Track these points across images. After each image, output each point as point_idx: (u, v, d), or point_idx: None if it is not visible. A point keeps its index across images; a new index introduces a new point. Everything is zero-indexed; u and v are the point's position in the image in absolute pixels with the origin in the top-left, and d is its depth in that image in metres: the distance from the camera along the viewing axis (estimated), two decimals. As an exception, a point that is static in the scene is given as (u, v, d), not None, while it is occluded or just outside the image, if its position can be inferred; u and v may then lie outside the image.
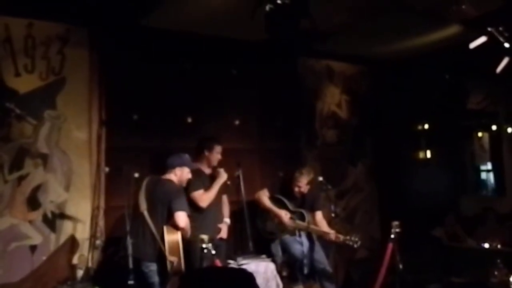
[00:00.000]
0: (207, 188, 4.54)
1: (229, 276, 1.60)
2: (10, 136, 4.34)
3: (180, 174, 4.19)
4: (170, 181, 4.14)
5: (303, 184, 4.92)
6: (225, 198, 4.81)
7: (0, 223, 4.21)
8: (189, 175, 4.26)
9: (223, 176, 4.55)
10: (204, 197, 4.48)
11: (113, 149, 4.73)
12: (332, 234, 4.74)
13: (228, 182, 4.65)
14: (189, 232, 4.02)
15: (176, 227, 3.91)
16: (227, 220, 4.75)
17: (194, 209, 4.45)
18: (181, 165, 4.20)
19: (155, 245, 3.90)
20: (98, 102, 4.74)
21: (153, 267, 3.91)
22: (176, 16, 4.67)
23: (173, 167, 4.18)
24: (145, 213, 3.96)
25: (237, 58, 5.49)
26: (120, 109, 4.83)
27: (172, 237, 3.90)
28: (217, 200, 4.60)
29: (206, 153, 4.62)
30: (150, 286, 3.92)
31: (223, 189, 4.65)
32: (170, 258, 3.82)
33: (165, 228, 3.92)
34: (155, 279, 3.92)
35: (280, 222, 4.88)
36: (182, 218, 3.91)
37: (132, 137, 4.84)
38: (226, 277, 1.59)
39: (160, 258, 3.88)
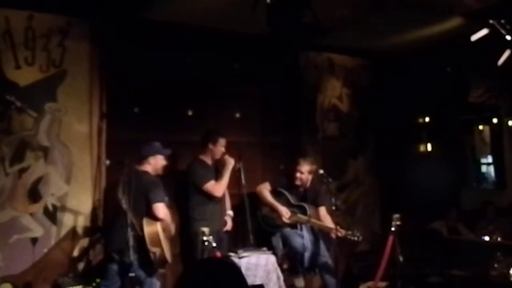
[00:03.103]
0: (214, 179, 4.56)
1: (221, 270, 1.60)
2: (11, 129, 4.34)
3: (154, 163, 4.19)
4: (146, 172, 4.12)
5: (305, 170, 4.92)
6: (225, 191, 4.83)
7: (1, 216, 4.23)
8: (164, 162, 4.25)
9: (230, 162, 4.57)
10: (217, 187, 4.52)
11: (114, 142, 4.73)
12: (333, 229, 4.74)
13: (238, 165, 4.66)
14: (169, 222, 4.01)
15: (155, 219, 3.90)
16: (230, 212, 4.78)
17: (201, 201, 4.51)
18: (154, 153, 4.19)
19: (136, 238, 3.86)
20: (99, 95, 4.74)
21: (135, 260, 3.86)
22: (178, 9, 4.65)
23: (145, 157, 4.17)
24: (125, 207, 3.94)
25: (238, 52, 5.47)
26: (121, 102, 4.83)
27: (151, 229, 3.89)
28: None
29: (210, 146, 4.63)
30: (135, 279, 3.89)
31: (232, 176, 4.65)
32: (152, 249, 3.82)
33: (144, 220, 3.91)
34: (139, 272, 3.89)
35: (280, 217, 4.89)
36: (160, 209, 3.92)
37: (133, 130, 4.83)
38: (219, 271, 1.59)
39: (142, 250, 3.85)
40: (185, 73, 5.15)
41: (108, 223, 4.33)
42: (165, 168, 4.31)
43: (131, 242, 3.81)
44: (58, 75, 4.57)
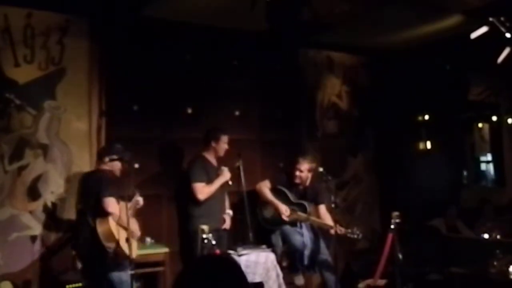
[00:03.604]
0: (210, 180, 4.56)
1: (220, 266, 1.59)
2: (10, 127, 4.33)
3: (111, 165, 4.09)
4: (100, 171, 4.06)
5: (304, 168, 4.91)
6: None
7: (0, 213, 4.23)
8: (119, 166, 4.14)
9: (226, 176, 4.58)
10: (204, 190, 4.51)
11: (113, 140, 4.71)
12: (333, 227, 4.71)
13: (230, 182, 4.66)
14: (118, 217, 3.88)
15: (106, 214, 3.81)
16: (229, 211, 4.78)
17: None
18: (111, 155, 4.09)
19: (93, 239, 3.82)
20: (98, 93, 4.73)
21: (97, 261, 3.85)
22: (177, 6, 4.64)
23: (103, 157, 4.10)
24: (82, 208, 3.95)
25: (238, 49, 5.47)
26: (120, 100, 4.82)
27: (103, 224, 3.81)
28: (222, 191, 4.65)
29: (213, 144, 4.65)
30: (106, 282, 3.87)
31: (225, 186, 4.67)
32: (107, 244, 3.76)
33: (97, 220, 3.85)
34: (111, 276, 3.83)
35: (279, 214, 4.88)
36: (109, 203, 3.82)
37: (132, 128, 4.83)
38: (219, 268, 1.58)
39: (100, 248, 3.80)
40: (184, 71, 5.14)
41: (71, 227, 4.28)
42: (122, 170, 4.18)
43: (85, 241, 3.81)
44: (57, 73, 4.56)
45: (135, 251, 3.98)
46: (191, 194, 4.54)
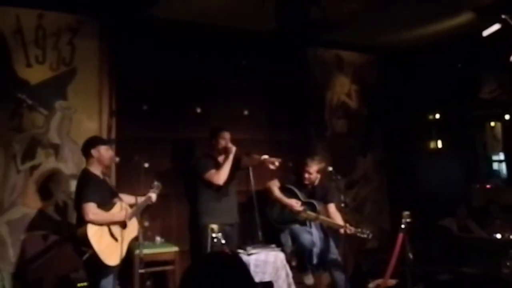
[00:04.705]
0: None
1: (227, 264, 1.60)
2: (22, 127, 4.39)
3: (97, 156, 3.82)
4: (82, 171, 3.90)
5: (313, 170, 4.90)
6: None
7: (13, 212, 4.29)
8: (110, 152, 3.93)
9: (231, 150, 4.54)
10: (217, 175, 4.50)
11: (123, 139, 4.76)
12: (343, 226, 4.67)
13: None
14: (99, 222, 3.68)
15: (84, 220, 3.62)
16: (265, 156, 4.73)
17: (207, 196, 4.55)
18: (94, 145, 3.86)
19: (74, 241, 3.77)
20: (108, 93, 4.78)
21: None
22: (186, 7, 4.66)
23: (88, 152, 3.85)
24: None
25: (246, 48, 5.47)
26: (130, 100, 4.86)
27: (81, 230, 3.67)
28: (230, 184, 4.64)
29: (213, 142, 4.67)
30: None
31: (232, 169, 4.61)
32: (84, 248, 3.63)
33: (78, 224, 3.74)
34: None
35: (291, 211, 4.87)
36: (86, 210, 3.60)
37: (142, 128, 4.87)
38: (225, 265, 1.59)
39: (79, 254, 3.70)
40: (193, 71, 5.16)
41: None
42: (112, 159, 3.98)
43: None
44: (68, 73, 4.61)
45: (121, 254, 3.77)
46: (208, 185, 4.52)
